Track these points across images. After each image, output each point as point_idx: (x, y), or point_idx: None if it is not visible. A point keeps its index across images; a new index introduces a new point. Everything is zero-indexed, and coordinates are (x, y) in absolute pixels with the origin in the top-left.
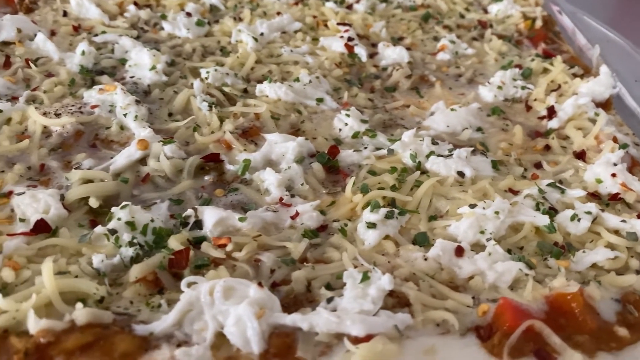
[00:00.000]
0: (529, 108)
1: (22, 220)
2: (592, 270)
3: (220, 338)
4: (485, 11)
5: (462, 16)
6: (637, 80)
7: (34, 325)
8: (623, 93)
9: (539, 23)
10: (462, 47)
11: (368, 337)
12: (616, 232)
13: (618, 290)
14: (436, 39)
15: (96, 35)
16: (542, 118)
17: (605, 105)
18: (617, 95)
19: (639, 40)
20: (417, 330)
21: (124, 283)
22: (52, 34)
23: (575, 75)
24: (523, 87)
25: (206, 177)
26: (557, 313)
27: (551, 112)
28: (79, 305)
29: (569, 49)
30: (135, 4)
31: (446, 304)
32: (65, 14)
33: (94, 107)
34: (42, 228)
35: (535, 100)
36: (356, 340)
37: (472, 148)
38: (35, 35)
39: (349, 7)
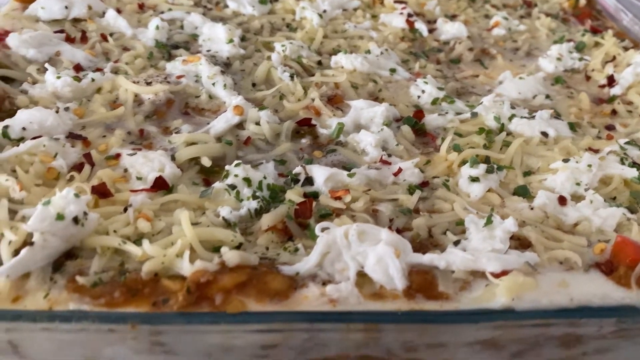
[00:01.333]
0: (588, 78)
1: (139, 178)
2: None
3: (361, 277)
4: None
5: None
6: None
7: (188, 267)
8: None
9: (582, 1)
10: (514, 24)
11: (502, 274)
12: None
13: None
14: (487, 16)
15: (162, 12)
16: (602, 87)
17: None
18: None
19: None
20: (544, 267)
21: (254, 232)
22: (118, 11)
23: (626, 49)
24: (580, 59)
25: (303, 140)
26: None
27: (611, 81)
28: (225, 249)
29: (613, 25)
30: None
31: (563, 245)
32: None
33: (179, 77)
34: (161, 185)
35: (593, 70)
36: (493, 276)
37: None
38: (104, 12)
39: None
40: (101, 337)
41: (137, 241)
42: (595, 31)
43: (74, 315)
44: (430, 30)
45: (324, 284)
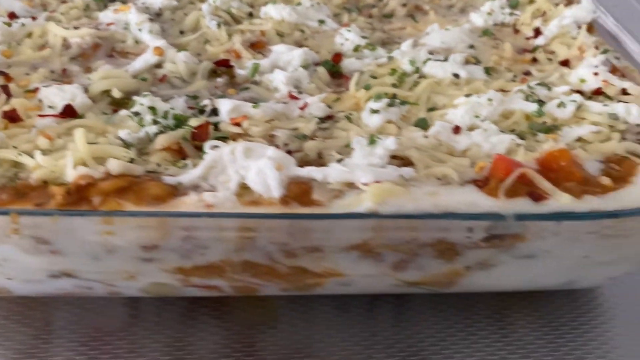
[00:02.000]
0: (516, 31)
1: (50, 107)
2: (579, 142)
3: (243, 188)
4: None
5: None
6: (615, 5)
7: (72, 173)
8: (605, 20)
9: None
10: None
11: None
12: (600, 116)
13: (601, 155)
14: None
15: None
16: (529, 39)
17: (588, 30)
18: (598, 21)
19: None
20: (421, 181)
21: (150, 152)
22: None
23: (558, 4)
24: (511, 14)
25: (219, 80)
26: (547, 170)
27: (537, 33)
28: (112, 159)
29: None
30: None
31: (446, 165)
32: None
33: (109, 24)
34: (70, 113)
35: (522, 24)
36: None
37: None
38: None
39: None
40: None
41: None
42: None
43: None
44: None
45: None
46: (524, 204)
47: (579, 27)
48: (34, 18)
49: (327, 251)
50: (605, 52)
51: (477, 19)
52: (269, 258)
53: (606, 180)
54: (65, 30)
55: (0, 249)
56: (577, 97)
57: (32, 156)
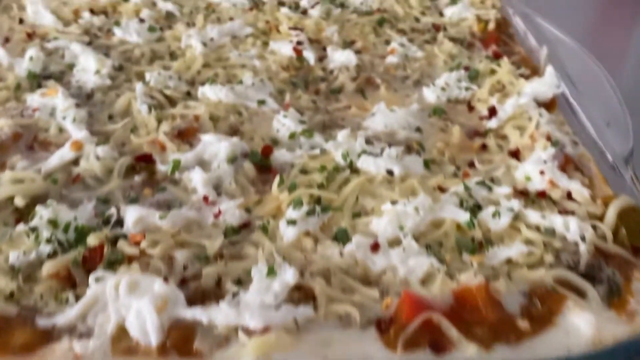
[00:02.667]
0: (471, 108)
1: None
2: (507, 265)
3: (122, 331)
4: (441, 14)
5: (417, 20)
6: (578, 82)
7: None
8: (568, 93)
9: (492, 25)
10: (412, 50)
11: (265, 330)
12: (537, 228)
13: (527, 284)
14: (387, 42)
15: (49, 41)
16: (483, 118)
17: (550, 104)
18: (563, 95)
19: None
20: (319, 323)
21: (37, 279)
22: (6, 40)
23: (522, 76)
24: (467, 88)
25: (136, 177)
26: (461, 306)
27: (492, 112)
28: None
29: (520, 50)
30: (92, 11)
31: (353, 297)
32: (21, 21)
33: (35, 110)
34: None
35: (478, 100)
36: (256, 333)
37: (402, 148)
38: None
39: (304, 12)
40: None
41: None
42: (498, 56)
43: None
44: (322, 58)
45: (81, 336)
46: (424, 358)
47: (539, 104)
48: None
49: None
50: (555, 144)
51: (430, 94)
52: None
53: (524, 324)
54: None
55: None
56: (516, 204)
57: None
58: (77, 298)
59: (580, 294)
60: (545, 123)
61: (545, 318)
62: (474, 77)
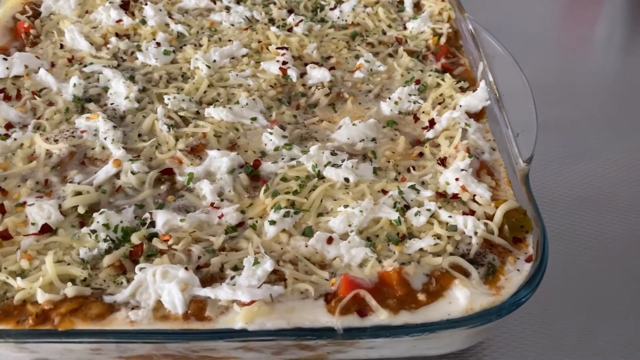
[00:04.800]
0: (416, 120)
1: (33, 224)
2: (419, 253)
3: (159, 304)
4: (405, 27)
5: (384, 33)
6: (503, 94)
7: (41, 297)
8: (494, 102)
9: (443, 39)
10: (376, 65)
11: (250, 303)
12: (446, 224)
13: (430, 268)
14: (357, 57)
15: (85, 65)
16: (425, 128)
17: (479, 114)
18: (491, 105)
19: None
20: (288, 297)
21: (100, 268)
22: (52, 65)
23: (461, 89)
24: (415, 102)
25: (162, 187)
26: (382, 284)
27: (432, 124)
28: (69, 284)
29: (465, 61)
30: (117, 35)
31: (312, 278)
32: (61, 46)
33: (82, 132)
34: (46, 229)
35: (423, 112)
36: (244, 304)
37: (358, 158)
38: (39, 68)
39: (290, 29)
40: None
41: (20, 274)
42: (446, 69)
43: None
44: (303, 74)
45: (133, 308)
46: (352, 320)
47: (470, 115)
48: (25, 126)
49: (220, 349)
50: (471, 156)
51: (386, 107)
52: (180, 353)
53: (422, 297)
54: (46, 143)
55: None
56: (433, 205)
57: (19, 275)
58: (128, 281)
59: (467, 274)
60: (472, 132)
61: (438, 292)
62: (422, 90)
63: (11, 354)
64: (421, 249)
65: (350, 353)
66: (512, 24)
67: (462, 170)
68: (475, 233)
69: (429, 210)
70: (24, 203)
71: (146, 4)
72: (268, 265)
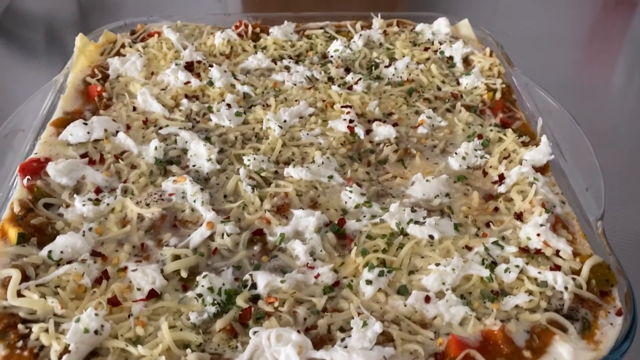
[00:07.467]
0: (485, 174)
1: (138, 289)
2: (515, 310)
3: None
4: (458, 83)
5: (439, 89)
6: (566, 149)
7: None
8: (559, 155)
9: (498, 95)
10: (437, 120)
11: None
12: (535, 280)
13: (529, 324)
14: (417, 113)
15: (161, 128)
16: (495, 183)
17: (544, 168)
18: (554, 160)
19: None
20: (398, 357)
21: (211, 331)
22: (128, 127)
23: (523, 143)
24: (482, 157)
25: (255, 247)
26: (487, 342)
27: (501, 178)
28: (188, 350)
29: (521, 116)
30: (186, 96)
31: (417, 338)
32: (134, 108)
33: (171, 194)
34: (153, 295)
35: (490, 167)
36: None
37: (439, 215)
38: (117, 132)
39: (350, 87)
40: None
41: (136, 341)
42: (505, 123)
43: None
44: (369, 131)
45: None
46: None
47: (536, 169)
48: (112, 190)
49: None
50: (548, 211)
51: (454, 163)
52: None
53: (527, 354)
54: (139, 208)
55: None
56: (520, 262)
57: (134, 341)
58: (242, 344)
59: (564, 329)
60: (540, 186)
61: (541, 349)
62: (486, 145)
63: None
64: (517, 306)
65: None
66: (557, 73)
67: (542, 225)
68: (566, 288)
69: (517, 266)
70: (125, 268)
71: (211, 66)
72: (377, 327)
